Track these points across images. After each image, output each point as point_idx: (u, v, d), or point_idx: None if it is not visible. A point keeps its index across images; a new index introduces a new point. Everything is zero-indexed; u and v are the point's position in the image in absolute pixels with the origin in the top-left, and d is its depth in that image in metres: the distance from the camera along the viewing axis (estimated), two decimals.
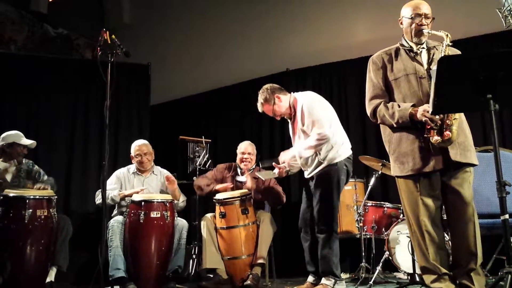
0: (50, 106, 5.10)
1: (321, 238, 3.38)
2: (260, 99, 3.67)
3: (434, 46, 2.70)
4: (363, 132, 5.25)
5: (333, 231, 3.38)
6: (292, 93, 3.68)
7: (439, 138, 2.46)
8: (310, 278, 3.53)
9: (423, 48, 2.71)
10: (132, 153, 4.24)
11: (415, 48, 2.71)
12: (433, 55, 2.65)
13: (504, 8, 2.26)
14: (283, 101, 3.61)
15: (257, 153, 4.51)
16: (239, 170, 4.32)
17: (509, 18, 2.24)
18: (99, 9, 7.50)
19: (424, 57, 2.69)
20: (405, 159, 2.64)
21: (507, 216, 2.16)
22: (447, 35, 2.55)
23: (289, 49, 5.96)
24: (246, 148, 4.32)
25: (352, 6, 5.68)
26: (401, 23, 2.78)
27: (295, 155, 3.52)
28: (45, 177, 4.00)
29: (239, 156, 4.31)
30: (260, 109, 3.71)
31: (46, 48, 6.58)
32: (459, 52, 2.68)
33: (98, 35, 3.25)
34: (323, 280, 3.37)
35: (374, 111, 2.78)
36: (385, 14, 5.40)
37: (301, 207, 3.65)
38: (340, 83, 5.53)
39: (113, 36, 3.28)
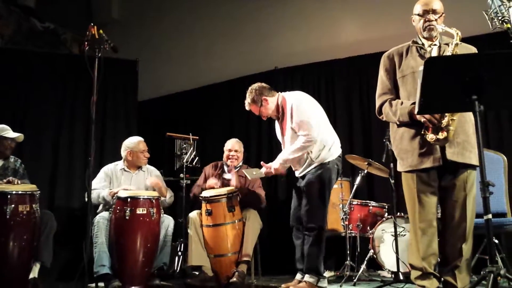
0: (37, 101, 5.05)
1: (310, 236, 3.40)
2: (248, 99, 3.67)
3: (447, 44, 2.68)
4: (350, 131, 5.29)
5: (322, 230, 3.40)
6: (280, 93, 3.68)
7: (434, 136, 2.49)
8: (298, 276, 3.53)
9: (435, 45, 2.70)
10: (129, 149, 4.15)
11: (426, 45, 2.71)
12: (443, 53, 2.64)
13: (491, 10, 2.28)
14: (270, 103, 3.62)
15: (245, 152, 4.51)
16: (225, 168, 4.32)
17: (495, 20, 2.26)
18: (87, 3, 7.41)
19: (434, 55, 2.67)
20: (405, 155, 2.67)
21: (490, 216, 2.17)
22: (457, 33, 2.55)
23: (278, 48, 5.97)
24: (233, 146, 4.32)
25: (341, 6, 5.70)
26: (413, 21, 2.78)
27: (284, 161, 3.52)
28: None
29: (225, 153, 4.32)
30: (247, 107, 3.73)
31: (33, 42, 6.49)
32: (473, 49, 2.69)
33: (86, 30, 3.22)
34: (306, 277, 3.39)
35: (380, 108, 2.81)
36: (374, 15, 5.44)
37: (292, 205, 3.65)
38: (328, 83, 5.56)
39: (101, 31, 3.25)
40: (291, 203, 3.67)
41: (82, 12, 7.20)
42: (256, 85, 3.69)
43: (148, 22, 7.01)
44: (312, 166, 3.46)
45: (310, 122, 3.39)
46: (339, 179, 4.44)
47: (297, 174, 3.60)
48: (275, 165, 3.55)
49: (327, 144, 3.46)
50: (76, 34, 6.72)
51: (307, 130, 3.36)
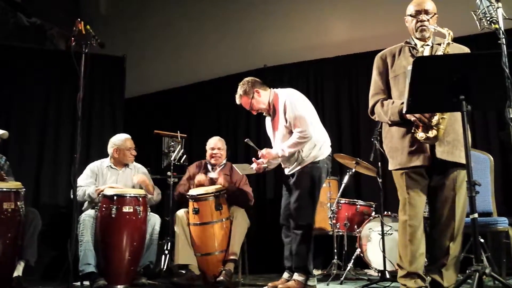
0: (22, 97, 4.98)
1: (298, 234, 3.38)
2: (240, 91, 3.61)
3: (439, 44, 2.68)
4: (338, 130, 5.29)
5: (310, 228, 3.40)
6: (272, 89, 3.65)
7: (424, 135, 2.49)
8: (286, 274, 3.52)
9: (427, 45, 2.70)
10: (116, 146, 4.11)
11: (419, 45, 2.71)
12: (435, 53, 2.65)
13: (479, 10, 2.28)
14: (262, 97, 3.58)
15: (228, 149, 4.46)
16: (209, 167, 4.28)
17: (483, 21, 2.27)
18: None
19: (426, 55, 2.67)
20: (395, 154, 2.68)
21: (476, 215, 2.19)
22: (449, 33, 2.55)
23: (267, 46, 5.95)
24: (215, 144, 4.28)
25: (331, 5, 5.71)
26: (406, 22, 2.78)
27: (278, 155, 3.49)
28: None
29: (208, 152, 4.27)
30: (238, 101, 3.65)
31: (19, 37, 6.38)
32: (466, 49, 2.70)
33: (73, 25, 3.18)
34: (295, 276, 3.38)
35: (373, 108, 2.81)
36: (364, 14, 5.45)
37: (282, 203, 3.63)
38: (317, 81, 5.56)
39: (88, 27, 3.21)
40: (281, 201, 3.65)
41: (69, 7, 7.11)
42: (249, 78, 3.66)
43: (136, 18, 6.94)
44: (302, 165, 3.44)
45: (304, 118, 3.37)
46: (327, 178, 4.44)
47: (286, 172, 3.58)
48: (269, 150, 3.52)
49: (318, 143, 3.45)
50: (63, 29, 6.63)
51: (302, 127, 3.35)
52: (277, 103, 3.53)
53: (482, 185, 3.28)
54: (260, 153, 3.56)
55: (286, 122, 3.44)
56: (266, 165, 3.70)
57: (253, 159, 3.66)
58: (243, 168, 3.79)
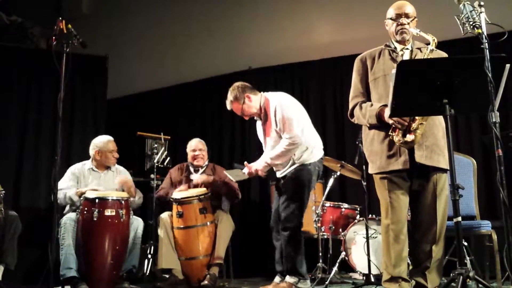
0: (1, 97, 4.88)
1: (286, 236, 3.36)
2: (230, 96, 3.56)
3: (419, 48, 2.70)
4: (323, 133, 5.28)
5: (298, 230, 3.38)
6: (262, 93, 3.62)
7: (401, 138, 2.50)
8: (277, 278, 3.48)
9: (407, 49, 2.71)
10: (98, 148, 4.04)
11: (398, 49, 2.72)
12: (414, 57, 2.66)
13: (462, 15, 2.30)
14: (253, 101, 3.53)
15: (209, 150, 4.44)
16: (192, 169, 4.23)
17: (466, 25, 2.28)
18: None
19: (406, 58, 2.68)
20: (374, 158, 2.69)
21: (459, 218, 2.20)
22: (434, 39, 2.56)
23: (252, 48, 5.94)
24: (196, 145, 4.25)
25: (316, 7, 5.72)
26: (386, 25, 2.79)
27: (268, 164, 3.46)
28: None
29: (190, 154, 4.24)
30: (228, 107, 3.60)
31: None
32: (445, 55, 2.71)
33: (54, 24, 3.13)
34: (287, 278, 3.35)
35: (352, 111, 2.81)
36: (349, 17, 5.48)
37: (273, 206, 3.61)
38: (301, 84, 5.57)
39: (70, 26, 3.16)
40: (272, 205, 3.62)
41: (51, 6, 7.00)
42: (238, 83, 3.61)
43: (119, 18, 6.86)
44: (294, 167, 3.42)
45: (294, 123, 3.34)
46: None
47: (278, 174, 3.55)
48: (257, 167, 3.49)
49: (310, 146, 3.43)
50: (44, 28, 6.52)
51: (291, 131, 3.31)
52: (268, 107, 3.48)
53: (465, 189, 3.30)
54: (246, 171, 3.53)
55: (277, 126, 3.41)
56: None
57: (245, 163, 3.61)
58: (235, 175, 3.73)
